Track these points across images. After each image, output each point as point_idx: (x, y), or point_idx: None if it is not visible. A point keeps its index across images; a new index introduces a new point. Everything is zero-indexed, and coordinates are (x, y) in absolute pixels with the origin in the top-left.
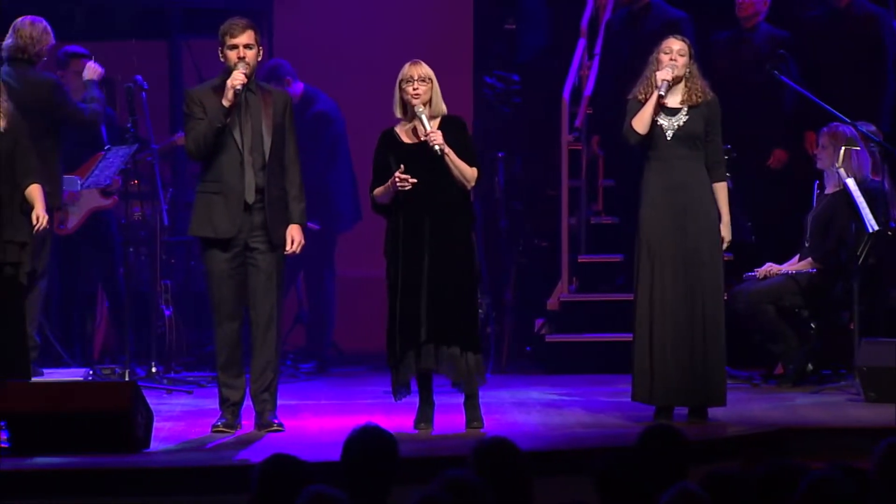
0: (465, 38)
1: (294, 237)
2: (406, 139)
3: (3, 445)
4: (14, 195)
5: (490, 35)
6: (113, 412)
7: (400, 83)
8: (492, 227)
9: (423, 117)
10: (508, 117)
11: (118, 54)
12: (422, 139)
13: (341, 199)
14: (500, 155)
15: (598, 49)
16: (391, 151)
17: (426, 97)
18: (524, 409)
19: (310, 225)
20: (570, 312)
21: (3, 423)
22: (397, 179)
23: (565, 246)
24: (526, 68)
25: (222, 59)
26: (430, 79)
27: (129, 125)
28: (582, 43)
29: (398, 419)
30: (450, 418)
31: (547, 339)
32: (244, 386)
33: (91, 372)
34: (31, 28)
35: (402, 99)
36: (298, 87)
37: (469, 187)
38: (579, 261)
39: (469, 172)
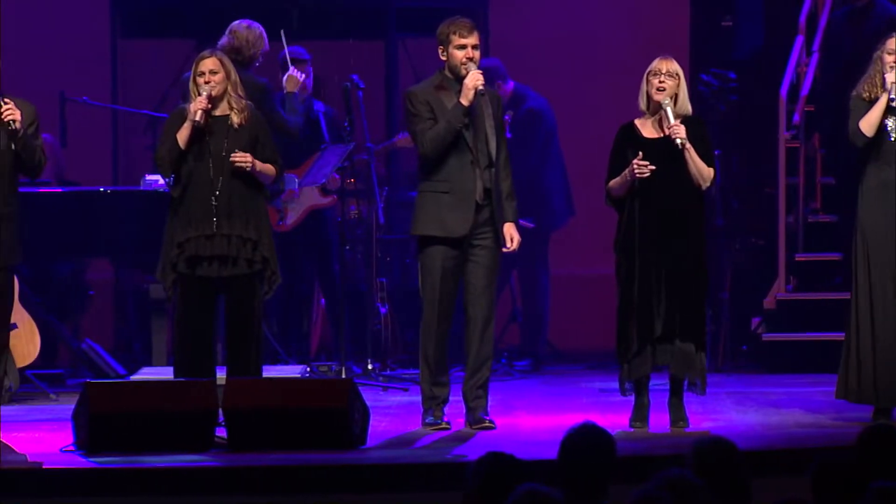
0: (682, 36)
1: (513, 235)
2: (646, 133)
3: (221, 441)
4: (252, 194)
5: (706, 32)
6: (330, 409)
7: (647, 75)
8: (709, 226)
9: (669, 110)
10: (725, 115)
11: (335, 54)
12: (664, 133)
13: (555, 197)
14: (716, 153)
15: (815, 46)
16: (630, 145)
17: (671, 92)
18: (741, 409)
19: (524, 223)
20: (788, 311)
21: (221, 419)
22: (635, 166)
23: (782, 244)
24: (742, 65)
25: (443, 58)
26: (677, 75)
27: (345, 124)
28: (800, 40)
29: (613, 417)
30: (666, 417)
31: (763, 338)
32: (450, 383)
33: (308, 369)
34: (248, 32)
35: (647, 92)
36: (509, 86)
37: (705, 187)
38: (797, 259)
39: (706, 172)
